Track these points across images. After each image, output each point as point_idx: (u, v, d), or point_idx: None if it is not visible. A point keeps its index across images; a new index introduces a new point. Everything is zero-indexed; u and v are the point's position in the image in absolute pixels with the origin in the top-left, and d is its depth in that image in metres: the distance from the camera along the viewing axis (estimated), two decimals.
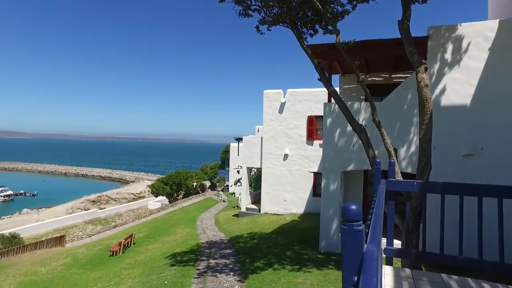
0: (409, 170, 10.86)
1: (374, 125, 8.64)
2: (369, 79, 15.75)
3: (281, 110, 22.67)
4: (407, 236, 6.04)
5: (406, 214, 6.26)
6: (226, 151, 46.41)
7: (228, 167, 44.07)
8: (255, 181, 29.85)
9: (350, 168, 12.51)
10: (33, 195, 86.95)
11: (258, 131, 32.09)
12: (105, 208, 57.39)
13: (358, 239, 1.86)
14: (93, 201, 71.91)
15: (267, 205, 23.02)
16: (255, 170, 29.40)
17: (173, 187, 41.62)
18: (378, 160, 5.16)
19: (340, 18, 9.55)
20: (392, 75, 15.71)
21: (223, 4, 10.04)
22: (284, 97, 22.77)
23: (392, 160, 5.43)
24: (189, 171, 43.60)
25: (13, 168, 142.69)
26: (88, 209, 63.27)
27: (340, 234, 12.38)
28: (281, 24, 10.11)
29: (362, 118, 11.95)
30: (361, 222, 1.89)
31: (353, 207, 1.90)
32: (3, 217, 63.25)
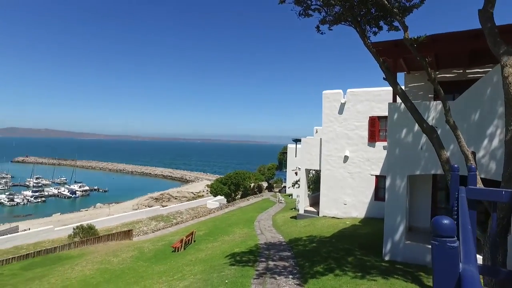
0: (482, 176, 9.80)
1: (442, 126, 7.92)
2: (439, 76, 14.59)
3: (341, 111, 21.99)
4: (492, 252, 5.40)
5: (488, 226, 5.62)
6: (284, 152, 46.30)
7: (286, 168, 43.95)
8: (313, 183, 29.35)
9: (417, 172, 11.66)
10: (105, 191, 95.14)
11: (317, 132, 31.55)
12: (167, 205, 60.72)
13: (453, 257, 1.65)
14: (156, 199, 76.48)
15: (326, 208, 22.48)
16: (314, 172, 28.91)
17: (231, 187, 42.59)
18: (456, 165, 4.70)
19: (408, 13, 8.95)
20: (467, 71, 14.37)
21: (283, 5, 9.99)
22: (344, 98, 22.08)
23: (473, 166, 4.90)
24: (247, 172, 44.28)
25: (89, 166, 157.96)
26: (151, 206, 67.45)
27: (406, 242, 11.65)
28: (342, 23, 9.77)
29: (431, 118, 11.08)
30: (455, 238, 1.68)
31: (446, 221, 1.69)
32: (81, 209, 70.22)
